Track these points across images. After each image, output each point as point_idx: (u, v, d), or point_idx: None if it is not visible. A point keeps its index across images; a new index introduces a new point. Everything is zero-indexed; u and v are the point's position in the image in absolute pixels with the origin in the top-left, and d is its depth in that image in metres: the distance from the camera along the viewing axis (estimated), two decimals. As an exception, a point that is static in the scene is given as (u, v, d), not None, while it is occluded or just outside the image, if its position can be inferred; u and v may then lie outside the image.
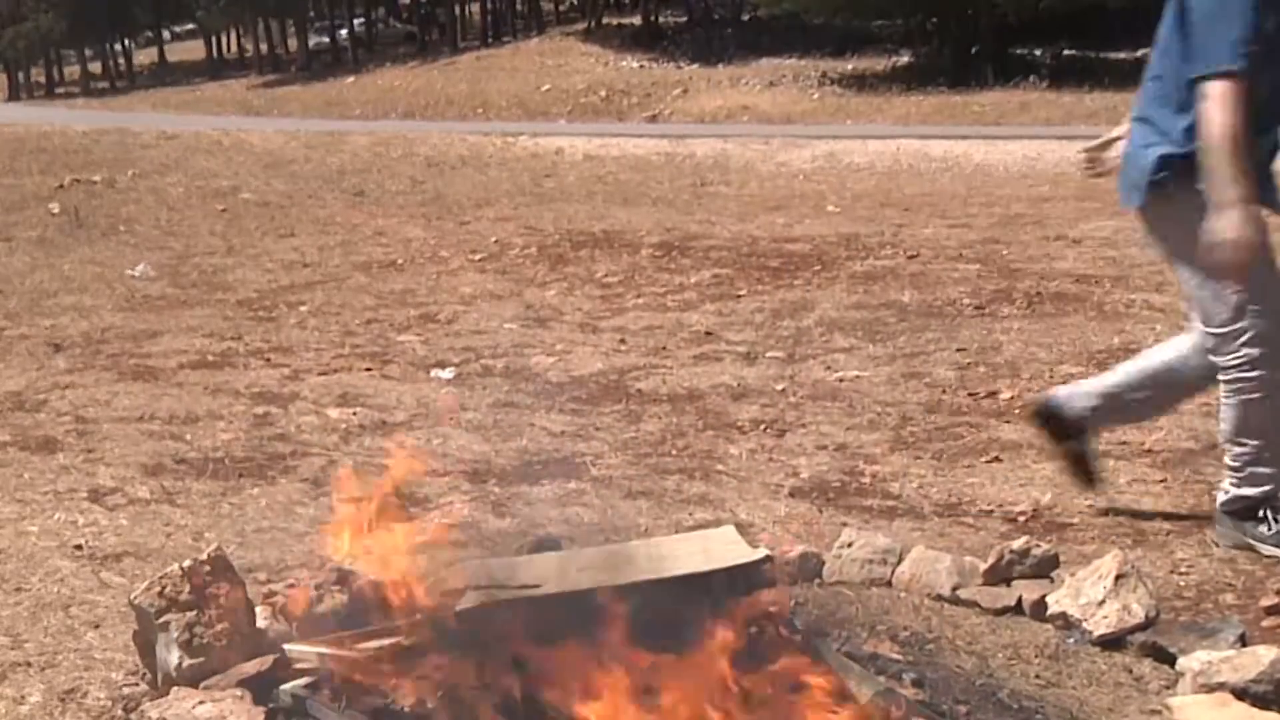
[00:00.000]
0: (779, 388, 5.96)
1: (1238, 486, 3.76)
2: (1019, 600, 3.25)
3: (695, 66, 36.41)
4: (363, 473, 3.58)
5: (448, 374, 6.38)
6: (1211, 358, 3.74)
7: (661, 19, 47.22)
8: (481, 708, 2.51)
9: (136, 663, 3.00)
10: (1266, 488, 3.72)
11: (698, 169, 17.77)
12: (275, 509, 4.43)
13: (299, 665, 2.76)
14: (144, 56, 67.75)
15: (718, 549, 2.98)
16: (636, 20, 47.80)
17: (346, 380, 6.32)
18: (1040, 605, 3.19)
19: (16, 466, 4.91)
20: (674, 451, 5.04)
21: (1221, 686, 2.75)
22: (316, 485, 4.70)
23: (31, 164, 16.97)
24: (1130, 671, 2.94)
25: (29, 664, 3.16)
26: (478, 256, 10.36)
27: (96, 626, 3.39)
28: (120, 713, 2.87)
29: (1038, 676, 2.91)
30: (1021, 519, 4.16)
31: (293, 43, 58.72)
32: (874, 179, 15.77)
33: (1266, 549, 3.70)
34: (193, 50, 64.26)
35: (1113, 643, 3.03)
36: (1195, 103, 3.44)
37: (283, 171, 16.84)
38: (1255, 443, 3.70)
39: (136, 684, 2.97)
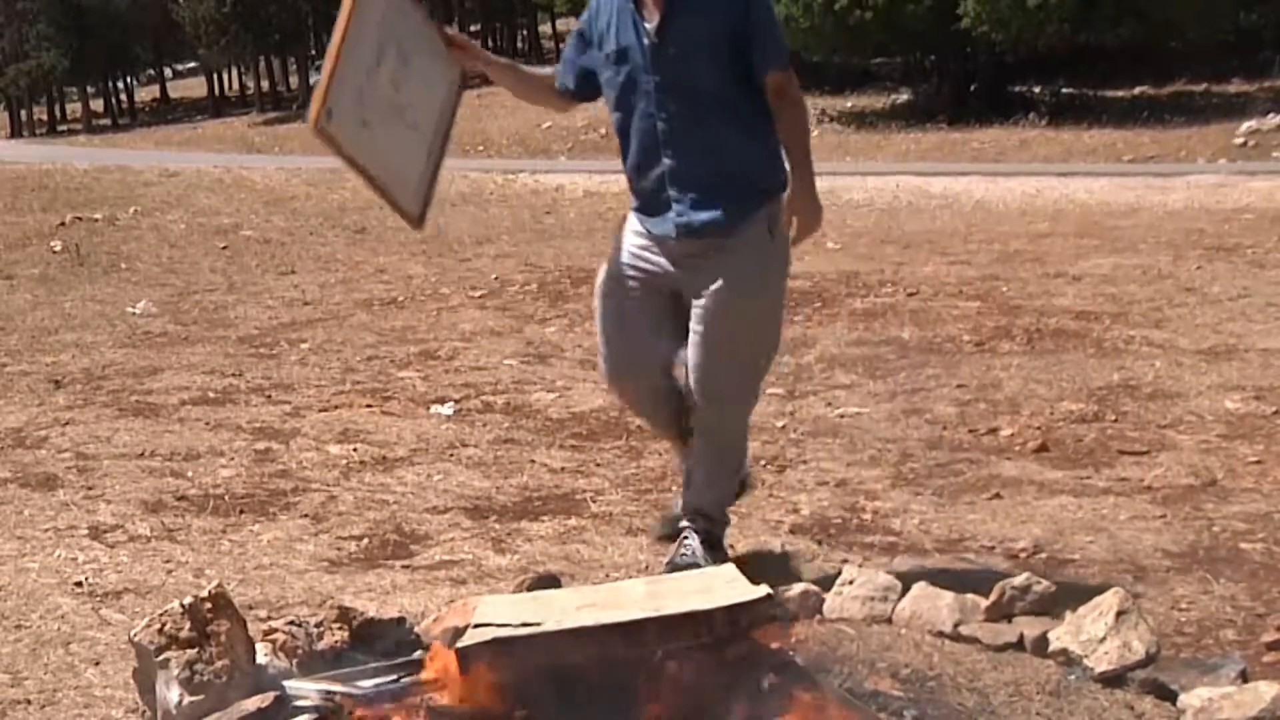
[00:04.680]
0: (779, 424, 5.97)
1: None
2: (1020, 637, 3.25)
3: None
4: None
5: (448, 410, 6.39)
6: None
7: (661, 57, 47.47)
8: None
9: (137, 700, 3.00)
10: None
11: (698, 206, 17.78)
12: (276, 545, 4.43)
13: (300, 703, 2.76)
14: (146, 94, 68.13)
15: (719, 587, 2.98)
16: (637, 58, 48.09)
17: (347, 416, 6.32)
18: (1041, 642, 3.19)
19: (17, 503, 4.91)
20: (675, 488, 5.03)
21: (1223, 724, 2.75)
22: (317, 521, 4.70)
23: (33, 201, 17.00)
24: (1132, 708, 2.94)
25: (29, 701, 3.16)
26: (478, 293, 10.38)
27: (97, 664, 3.39)
28: (120, 751, 2.87)
29: (1039, 714, 2.91)
30: (1022, 555, 4.16)
31: (294, 80, 59.02)
32: (874, 216, 15.80)
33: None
34: (194, 88, 64.61)
35: (1114, 679, 3.03)
36: None
37: (284, 209, 16.87)
38: None
39: (136, 722, 2.97)
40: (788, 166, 3.67)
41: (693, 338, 3.72)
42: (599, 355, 3.99)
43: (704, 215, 3.57)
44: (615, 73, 3.60)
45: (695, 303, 3.67)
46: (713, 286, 3.60)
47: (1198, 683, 2.94)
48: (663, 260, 3.71)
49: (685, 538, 3.91)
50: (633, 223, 3.81)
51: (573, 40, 3.77)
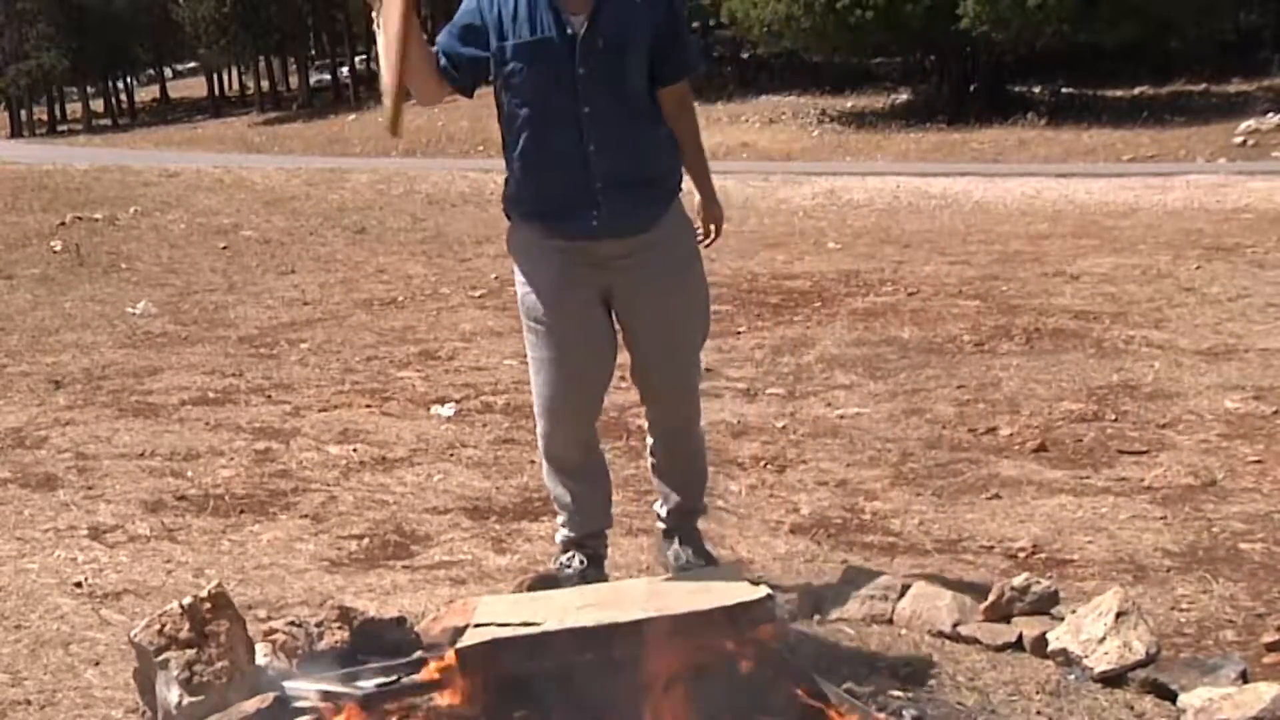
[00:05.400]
0: (779, 424, 5.97)
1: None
2: (1020, 637, 3.25)
3: (695, 103, 36.55)
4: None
5: (448, 410, 6.38)
6: None
7: (661, 57, 47.41)
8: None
9: (136, 701, 3.00)
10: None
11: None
12: (276, 545, 4.43)
13: (300, 703, 2.76)
14: (146, 94, 68.07)
15: (719, 587, 2.98)
16: (636, 58, 48.03)
17: (347, 417, 6.32)
18: (1041, 642, 3.19)
19: (17, 504, 4.91)
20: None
21: (1223, 724, 2.75)
22: (317, 521, 4.70)
23: (33, 201, 17.00)
24: (1131, 708, 2.94)
25: (28, 702, 3.16)
26: (478, 293, 10.38)
27: (96, 664, 3.39)
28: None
29: (1039, 713, 2.91)
30: (1022, 555, 4.16)
31: (294, 80, 58.97)
32: (873, 216, 15.81)
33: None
34: (194, 88, 64.57)
35: (1114, 679, 3.03)
36: None
37: (284, 209, 16.87)
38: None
39: (136, 722, 2.96)
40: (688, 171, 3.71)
41: (642, 340, 3.65)
42: (542, 407, 3.76)
43: (630, 210, 3.47)
44: (528, 65, 3.40)
45: (632, 304, 3.57)
46: (649, 283, 3.53)
47: (1198, 683, 2.94)
48: (588, 267, 3.51)
49: (685, 538, 3.91)
50: (535, 236, 3.56)
51: (455, 32, 3.50)
